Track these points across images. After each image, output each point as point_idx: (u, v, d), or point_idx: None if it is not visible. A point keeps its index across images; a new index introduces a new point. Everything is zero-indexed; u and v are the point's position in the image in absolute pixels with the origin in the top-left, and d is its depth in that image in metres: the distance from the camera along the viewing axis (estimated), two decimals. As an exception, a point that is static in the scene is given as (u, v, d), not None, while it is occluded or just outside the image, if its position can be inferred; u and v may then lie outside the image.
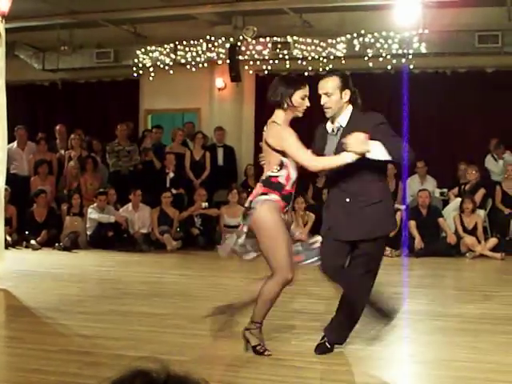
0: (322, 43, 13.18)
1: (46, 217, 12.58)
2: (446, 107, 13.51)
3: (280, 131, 4.85)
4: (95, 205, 12.33)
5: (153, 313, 6.72)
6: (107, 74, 15.39)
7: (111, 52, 14.47)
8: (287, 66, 13.61)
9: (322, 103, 4.89)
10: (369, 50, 12.85)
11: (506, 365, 4.86)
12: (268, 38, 13.41)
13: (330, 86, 4.88)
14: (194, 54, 13.89)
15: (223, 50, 13.70)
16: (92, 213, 12.27)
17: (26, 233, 12.23)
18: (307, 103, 4.97)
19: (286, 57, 13.41)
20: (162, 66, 14.17)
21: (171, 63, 14.09)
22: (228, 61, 13.68)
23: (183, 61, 14.00)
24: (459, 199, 11.95)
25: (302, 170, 4.98)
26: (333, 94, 4.87)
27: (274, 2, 12.73)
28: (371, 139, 4.58)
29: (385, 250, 4.94)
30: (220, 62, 13.83)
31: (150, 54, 14.22)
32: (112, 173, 13.52)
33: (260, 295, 4.89)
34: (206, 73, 14.22)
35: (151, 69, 14.32)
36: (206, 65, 13.97)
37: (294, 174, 4.96)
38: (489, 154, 12.79)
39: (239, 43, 13.55)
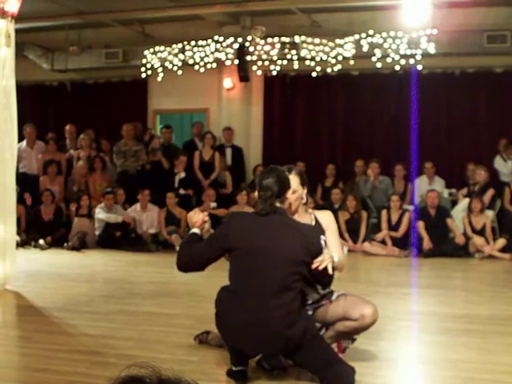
0: (330, 43, 13.16)
1: (53, 216, 12.62)
2: (454, 107, 13.49)
3: None
4: (103, 204, 12.35)
5: (161, 313, 6.73)
6: (116, 75, 15.43)
7: (120, 52, 14.49)
8: (295, 67, 13.61)
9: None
10: (377, 51, 12.83)
11: (515, 366, 4.85)
12: (276, 38, 13.40)
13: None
14: (203, 54, 13.89)
15: (231, 51, 13.70)
16: (99, 213, 12.29)
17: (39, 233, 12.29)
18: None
19: (295, 57, 13.40)
20: (170, 66, 14.17)
21: (179, 63, 14.09)
22: (236, 61, 13.68)
23: (191, 61, 14.00)
24: (468, 200, 11.93)
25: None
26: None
27: (283, 2, 12.72)
28: None
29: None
30: (228, 62, 13.83)
31: (159, 55, 14.23)
32: (120, 173, 13.55)
33: None
34: (215, 73, 14.22)
35: (159, 69, 14.33)
36: (214, 65, 13.96)
37: None
38: (498, 154, 12.74)
39: (247, 43, 13.54)
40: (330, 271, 4.22)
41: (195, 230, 4.58)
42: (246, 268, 4.27)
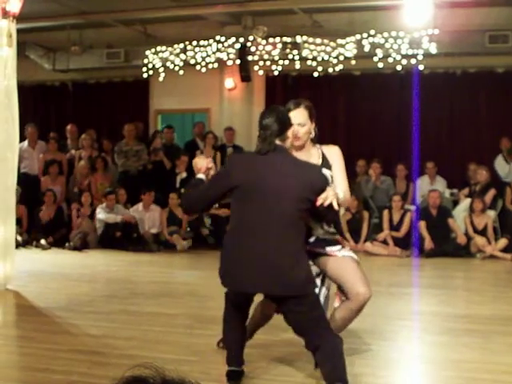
0: (331, 43, 13.17)
1: (54, 216, 12.63)
2: (456, 107, 13.49)
3: None
4: (104, 205, 12.35)
5: (162, 313, 6.73)
6: (117, 75, 15.43)
7: (121, 52, 14.50)
8: (297, 67, 13.61)
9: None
10: (378, 51, 12.83)
11: (516, 366, 4.85)
12: (278, 39, 13.41)
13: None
14: (204, 54, 13.90)
15: (233, 51, 13.70)
16: (100, 213, 12.29)
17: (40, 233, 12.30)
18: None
19: (296, 57, 13.40)
20: (171, 66, 14.18)
21: (181, 63, 14.10)
22: (238, 61, 13.68)
23: (193, 61, 14.01)
24: (469, 200, 11.92)
25: None
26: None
27: (284, 2, 12.72)
28: None
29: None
30: (230, 62, 13.84)
31: (160, 55, 14.24)
32: (121, 173, 13.54)
33: None
34: (216, 73, 14.23)
35: (161, 69, 14.34)
36: (215, 65, 13.97)
37: None
38: (499, 154, 12.70)
39: (249, 43, 13.55)
40: (336, 207, 4.13)
41: (201, 176, 4.54)
42: (248, 206, 4.20)
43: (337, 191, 4.28)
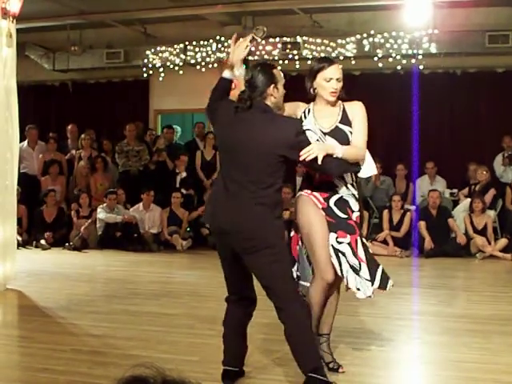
0: (331, 43, 13.16)
1: (56, 217, 12.61)
2: (456, 107, 13.47)
3: None
4: (104, 205, 12.33)
5: (162, 313, 6.74)
6: (117, 75, 15.42)
7: (121, 52, 14.49)
8: (297, 67, 13.61)
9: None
10: (378, 51, 12.83)
11: (516, 366, 4.85)
12: (278, 39, 13.40)
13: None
14: (204, 54, 13.90)
15: (233, 51, 13.69)
16: (100, 213, 12.28)
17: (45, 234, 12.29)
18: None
19: (296, 57, 13.40)
20: (171, 66, 14.18)
21: (181, 63, 14.10)
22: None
23: (193, 61, 14.01)
24: (469, 200, 11.92)
25: None
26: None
27: (284, 2, 12.71)
28: None
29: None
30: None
31: (160, 55, 14.24)
32: (122, 173, 13.52)
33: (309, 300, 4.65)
34: (216, 73, 14.18)
35: (161, 69, 14.34)
36: (215, 65, 13.97)
37: None
38: (500, 153, 12.67)
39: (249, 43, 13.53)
40: (320, 161, 4.14)
41: (227, 75, 4.70)
42: (225, 161, 4.41)
43: (331, 146, 4.40)
